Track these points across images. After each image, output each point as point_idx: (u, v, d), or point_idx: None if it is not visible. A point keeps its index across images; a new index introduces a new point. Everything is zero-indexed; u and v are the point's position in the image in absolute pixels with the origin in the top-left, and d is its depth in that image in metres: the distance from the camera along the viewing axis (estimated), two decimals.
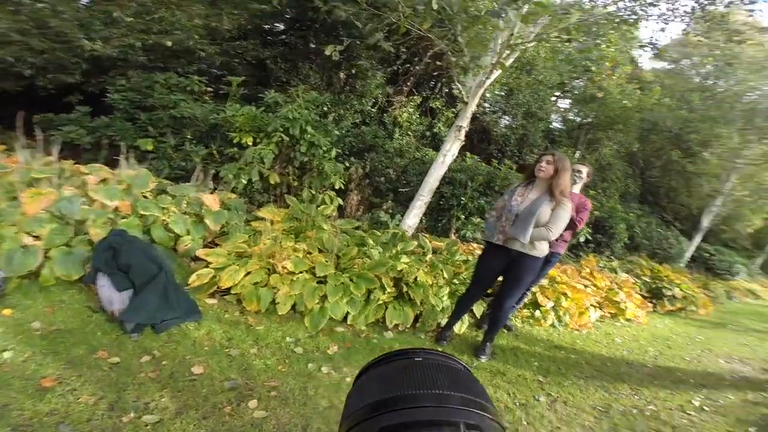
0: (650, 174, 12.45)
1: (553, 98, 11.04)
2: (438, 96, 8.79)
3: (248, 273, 3.07)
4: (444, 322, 3.39)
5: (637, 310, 5.66)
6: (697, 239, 11.28)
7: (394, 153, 6.86)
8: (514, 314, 4.14)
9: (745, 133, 10.17)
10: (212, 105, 5.39)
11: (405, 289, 3.44)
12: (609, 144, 11.14)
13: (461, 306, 3.21)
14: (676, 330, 5.71)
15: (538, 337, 4.04)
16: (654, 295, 6.92)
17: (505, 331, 3.91)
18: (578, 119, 11.76)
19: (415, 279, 3.54)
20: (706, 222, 11.15)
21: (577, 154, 10.70)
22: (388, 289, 3.32)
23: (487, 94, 8.44)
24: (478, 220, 5.96)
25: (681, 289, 7.28)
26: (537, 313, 4.34)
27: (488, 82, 4.91)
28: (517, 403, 2.69)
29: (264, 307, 2.96)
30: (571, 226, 3.14)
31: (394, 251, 3.99)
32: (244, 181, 4.31)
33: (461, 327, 3.55)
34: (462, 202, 5.93)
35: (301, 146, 4.54)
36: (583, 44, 5.58)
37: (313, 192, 4.64)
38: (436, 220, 6.08)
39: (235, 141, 4.57)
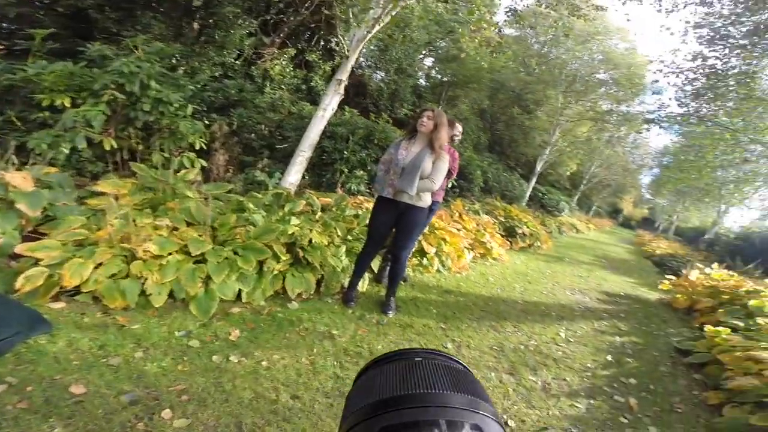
0: (497, 127, 14.59)
1: (420, 56, 11.71)
2: (315, 49, 8.48)
3: (99, 264, 2.33)
4: (347, 282, 3.25)
5: (500, 249, 6.46)
6: (533, 182, 13.66)
7: (267, 108, 6.41)
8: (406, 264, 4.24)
9: (567, 95, 12.68)
10: (3, 63, 3.89)
11: (301, 254, 3.12)
12: (465, 101, 12.56)
13: (360, 264, 3.13)
14: (530, 265, 6.73)
15: (429, 284, 4.24)
16: (509, 233, 7.96)
17: (402, 282, 3.98)
18: (439, 77, 12.83)
19: (310, 241, 3.26)
20: (539, 167, 13.57)
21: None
22: (283, 257, 2.96)
23: (364, 49, 8.71)
24: (362, 172, 5.93)
25: (528, 227, 8.62)
26: (424, 260, 4.56)
27: (369, 36, 4.81)
28: None
29: (132, 301, 2.32)
30: (448, 175, 3.45)
31: (280, 214, 3.61)
32: (66, 150, 3.31)
33: (363, 284, 3.46)
34: (344, 156, 5.81)
35: (143, 104, 3.78)
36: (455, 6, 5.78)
37: (166, 155, 3.97)
38: (320, 175, 5.84)
39: (44, 104, 3.44)
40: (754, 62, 7.37)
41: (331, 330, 2.70)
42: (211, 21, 6.64)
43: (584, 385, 2.80)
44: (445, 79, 12.35)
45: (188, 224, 2.93)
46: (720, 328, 3.85)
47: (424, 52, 11.74)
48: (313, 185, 5.74)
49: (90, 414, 1.58)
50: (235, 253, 2.79)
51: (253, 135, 5.89)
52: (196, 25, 6.72)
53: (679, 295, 5.90)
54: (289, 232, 3.17)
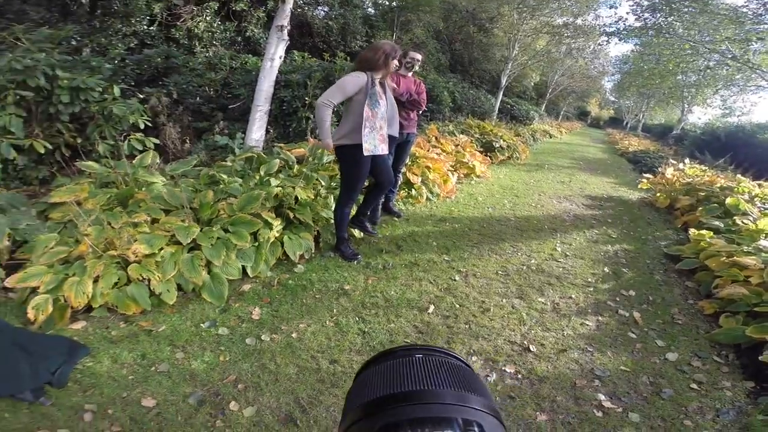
0: (455, 47, 14.33)
1: None
2: None
3: (97, 278, 2.14)
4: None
5: (482, 166, 6.44)
6: (500, 95, 13.55)
7: (204, 68, 5.91)
8: (396, 199, 4.21)
9: (521, 11, 12.41)
10: None
11: (291, 215, 2.99)
12: (419, 25, 12.25)
13: (345, 218, 3.02)
14: (513, 178, 6.79)
15: (423, 215, 4.24)
16: (487, 149, 7.93)
17: (396, 219, 3.96)
18: (387, 3, 12.43)
19: (296, 199, 3.13)
20: (503, 81, 13.34)
21: (395, 37, 11.51)
22: (274, 223, 2.82)
23: None
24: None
25: (504, 140, 8.58)
26: (412, 191, 4.54)
27: None
28: (443, 289, 2.79)
29: (146, 305, 2.20)
30: (417, 105, 3.54)
31: (257, 177, 3.40)
32: None
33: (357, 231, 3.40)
34: (306, 101, 5.42)
35: (60, 96, 3.41)
36: None
37: (111, 143, 3.65)
38: (285, 126, 5.53)
39: None
40: None
41: (343, 286, 2.69)
42: None
43: (589, 301, 2.91)
44: (395, 4, 12.00)
45: (166, 212, 2.70)
46: (704, 231, 4.01)
47: None
48: (281, 138, 5.45)
49: (173, 422, 1.62)
50: (226, 230, 2.64)
51: (198, 99, 5.43)
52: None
53: (659, 194, 6.12)
54: (273, 194, 3.00)
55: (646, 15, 8.72)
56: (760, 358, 2.20)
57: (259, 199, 2.84)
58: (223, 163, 3.73)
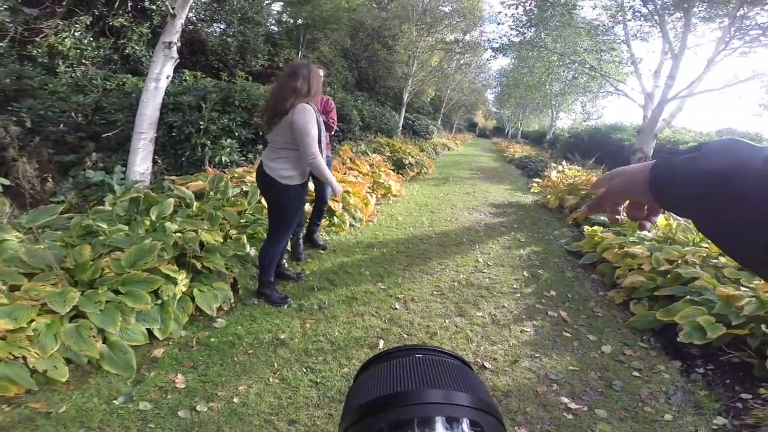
0: (361, 65, 14.61)
1: (267, 2, 10.91)
2: (121, 12, 6.83)
3: None
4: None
5: (397, 184, 6.52)
6: (403, 111, 14.18)
7: (70, 91, 5.07)
8: (320, 230, 3.96)
9: (420, 29, 13.28)
10: None
11: (198, 264, 2.56)
12: (326, 43, 12.17)
13: (275, 260, 2.70)
14: (426, 193, 7.01)
15: (349, 243, 4.07)
16: (398, 166, 8.11)
17: (322, 251, 3.71)
18: (292, 20, 12.18)
19: (202, 245, 2.70)
20: (405, 98, 13.99)
21: (300, 55, 11.34)
22: (178, 277, 2.38)
23: (194, 3, 7.70)
24: (230, 140, 5.18)
25: (412, 157, 8.88)
26: (335, 219, 4.32)
27: None
28: (387, 321, 2.65)
29: (30, 384, 1.70)
30: (328, 128, 3.38)
31: (148, 222, 2.87)
32: None
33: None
34: (201, 126, 4.90)
35: None
36: None
37: None
38: (176, 155, 4.89)
39: None
40: None
41: (278, 335, 2.37)
42: None
43: (521, 307, 3.05)
44: (300, 22, 11.76)
45: (28, 276, 2.09)
46: (595, 227, 4.54)
47: None
48: (172, 169, 4.78)
49: None
50: (117, 292, 2.13)
51: (62, 127, 4.51)
52: None
53: (549, 196, 6.84)
54: (171, 243, 2.55)
55: (524, 30, 9.78)
56: (678, 339, 2.46)
57: (154, 252, 2.37)
58: (101, 207, 3.03)
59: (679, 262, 3.32)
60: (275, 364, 2.10)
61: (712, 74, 12.80)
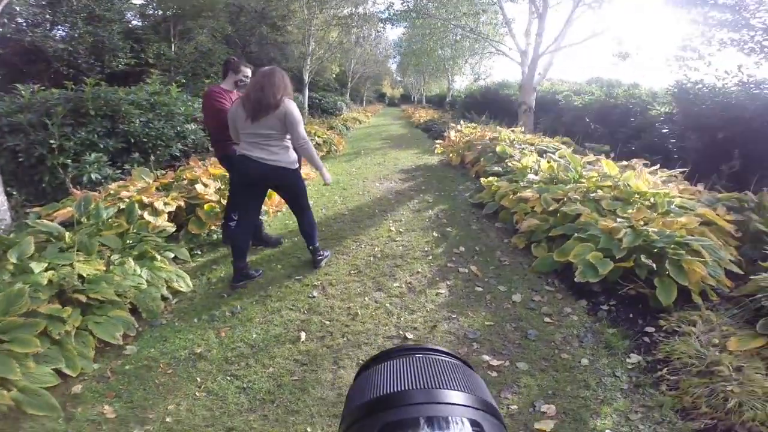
0: (250, 50, 13.78)
1: None
2: None
3: None
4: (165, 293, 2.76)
5: (304, 167, 6.38)
6: (306, 92, 13.75)
7: None
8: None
9: (310, 6, 12.74)
10: None
11: (82, 298, 2.34)
12: (203, 32, 11.58)
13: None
14: (336, 171, 7.01)
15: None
16: None
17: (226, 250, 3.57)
18: (159, 12, 11.18)
19: (82, 279, 2.47)
20: (306, 78, 13.50)
21: (174, 48, 10.70)
22: (64, 315, 2.17)
23: (16, 7, 7.02)
24: (96, 154, 4.66)
25: (319, 136, 8.78)
26: None
27: None
28: (306, 311, 2.67)
29: None
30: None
31: (11, 267, 2.50)
32: None
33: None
34: (53, 145, 4.36)
35: None
36: None
37: None
38: (34, 181, 4.36)
39: None
40: None
41: (194, 350, 2.30)
42: None
43: (434, 270, 3.21)
44: (169, 13, 10.82)
45: None
46: (491, 178, 4.92)
47: None
48: (34, 198, 4.23)
49: None
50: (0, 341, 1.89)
51: None
52: None
53: (451, 155, 7.28)
54: (44, 284, 2.31)
55: None
56: (575, 279, 2.59)
57: (24, 296, 2.13)
58: None
59: (564, 199, 3.54)
60: (198, 379, 2.07)
61: (574, 30, 14.39)
